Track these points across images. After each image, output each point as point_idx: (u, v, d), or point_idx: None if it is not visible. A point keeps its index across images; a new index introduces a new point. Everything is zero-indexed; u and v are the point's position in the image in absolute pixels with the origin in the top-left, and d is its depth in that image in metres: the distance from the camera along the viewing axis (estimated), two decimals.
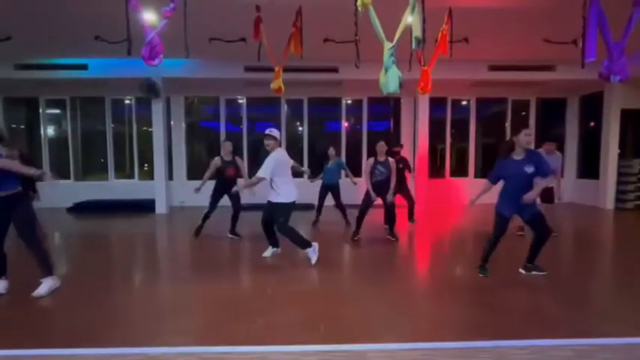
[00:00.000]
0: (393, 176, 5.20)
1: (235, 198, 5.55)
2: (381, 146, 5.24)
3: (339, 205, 6.60)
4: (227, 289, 3.51)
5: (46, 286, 3.24)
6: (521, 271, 3.81)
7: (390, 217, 5.41)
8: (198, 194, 5.44)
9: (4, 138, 3.24)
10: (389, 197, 5.22)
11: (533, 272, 3.75)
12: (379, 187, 5.21)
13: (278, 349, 2.36)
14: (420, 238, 5.94)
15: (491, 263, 3.79)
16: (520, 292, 3.36)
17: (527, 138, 3.54)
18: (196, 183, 9.24)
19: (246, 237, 5.70)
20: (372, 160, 5.30)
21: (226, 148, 5.62)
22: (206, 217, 5.74)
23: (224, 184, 5.51)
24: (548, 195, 5.34)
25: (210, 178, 5.57)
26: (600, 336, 2.51)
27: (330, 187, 6.55)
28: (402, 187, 6.39)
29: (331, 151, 6.60)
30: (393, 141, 9.63)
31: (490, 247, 3.73)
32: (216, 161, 5.52)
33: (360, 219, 5.32)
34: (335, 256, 4.66)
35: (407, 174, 6.56)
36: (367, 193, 5.24)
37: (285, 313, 2.92)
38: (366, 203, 5.26)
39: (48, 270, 3.29)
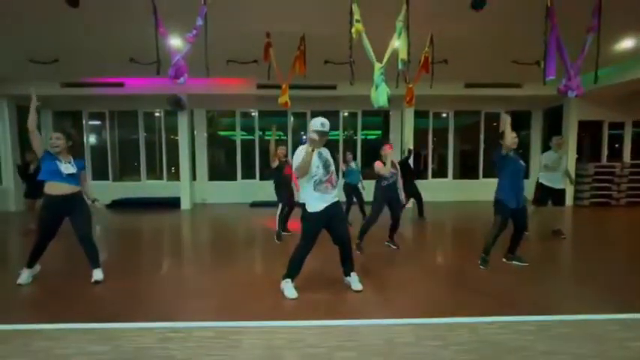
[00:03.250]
0: (399, 178, 4.31)
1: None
2: (388, 148, 4.19)
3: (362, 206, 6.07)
4: (242, 273, 3.52)
5: (98, 273, 3.21)
6: (504, 259, 3.75)
7: (395, 224, 4.36)
8: (214, 192, 5.30)
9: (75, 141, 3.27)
10: (402, 201, 4.30)
11: (514, 262, 3.68)
12: (392, 189, 4.19)
13: (284, 324, 2.37)
14: (416, 232, 5.93)
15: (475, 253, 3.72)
16: (498, 277, 3.36)
17: (513, 140, 3.50)
18: (216, 183, 9.44)
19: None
20: (379, 162, 4.17)
21: (282, 152, 5.03)
22: (285, 218, 5.03)
23: (282, 183, 4.90)
24: (560, 198, 4.90)
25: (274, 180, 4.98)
26: (558, 313, 2.51)
27: (353, 188, 5.94)
28: (413, 187, 6.35)
29: (349, 156, 6.11)
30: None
31: (493, 239, 3.54)
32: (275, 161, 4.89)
33: (369, 225, 4.20)
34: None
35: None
36: (381, 196, 4.15)
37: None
38: (380, 207, 4.18)
39: (97, 262, 3.25)
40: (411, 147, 7.78)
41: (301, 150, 2.83)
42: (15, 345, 2.12)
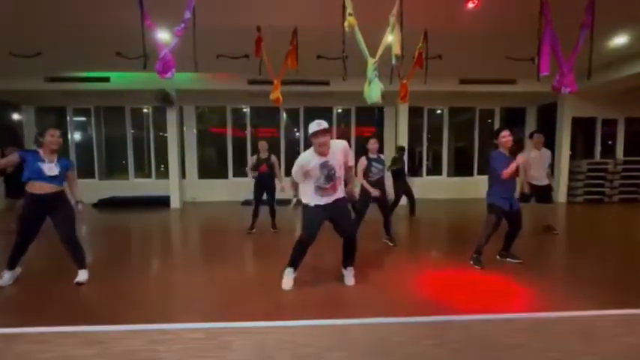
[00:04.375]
0: (385, 175, 4.44)
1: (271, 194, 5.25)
2: (373, 143, 4.28)
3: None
4: (232, 273, 3.50)
5: (83, 274, 3.17)
6: (497, 257, 3.79)
7: (387, 220, 4.46)
8: (204, 191, 5.30)
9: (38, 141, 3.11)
10: (388, 196, 4.34)
11: (508, 259, 3.72)
12: (378, 185, 4.25)
13: (275, 324, 2.37)
14: (414, 229, 5.97)
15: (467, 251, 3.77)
16: (491, 275, 3.40)
17: (504, 140, 3.47)
18: (206, 181, 9.37)
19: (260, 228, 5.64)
20: (364, 158, 4.27)
21: (263, 146, 5.25)
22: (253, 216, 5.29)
23: (260, 180, 5.21)
24: (545, 195, 4.96)
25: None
26: (551, 310, 2.55)
27: None
28: (405, 186, 6.38)
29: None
30: (378, 144, 9.68)
31: (485, 239, 3.56)
32: (252, 160, 5.27)
33: (357, 223, 4.19)
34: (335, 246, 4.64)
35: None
36: (364, 194, 4.22)
37: (285, 295, 2.93)
38: (365, 204, 4.26)
39: (83, 263, 3.21)
40: (404, 145, 7.82)
41: (300, 161, 2.85)
42: None
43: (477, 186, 9.03)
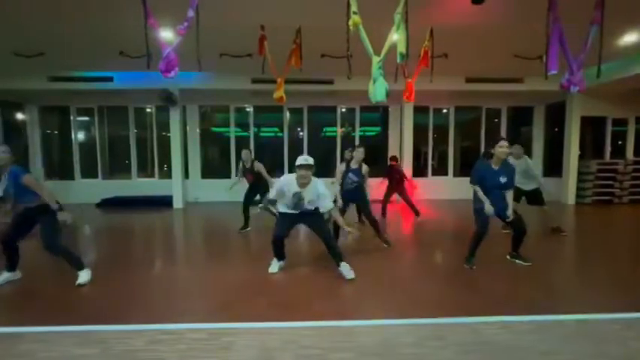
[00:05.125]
0: (366, 184, 4.50)
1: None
2: (360, 152, 4.37)
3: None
4: (234, 273, 3.51)
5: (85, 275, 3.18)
6: (507, 257, 3.79)
7: (374, 226, 4.42)
8: (207, 191, 5.36)
9: None
10: (366, 210, 4.43)
11: (517, 261, 3.69)
12: (349, 196, 4.39)
13: (278, 325, 2.37)
14: (412, 231, 5.95)
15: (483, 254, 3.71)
16: (499, 276, 3.38)
17: (501, 150, 3.42)
18: (209, 181, 9.40)
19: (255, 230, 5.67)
20: (343, 165, 4.42)
21: (245, 155, 5.37)
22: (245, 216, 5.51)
23: (250, 188, 5.48)
24: (535, 198, 4.89)
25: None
26: (559, 312, 2.53)
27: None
28: (402, 193, 6.44)
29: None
30: (383, 144, 9.67)
31: (475, 243, 3.58)
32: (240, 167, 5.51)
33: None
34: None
35: (405, 180, 6.54)
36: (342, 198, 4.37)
37: (286, 295, 2.93)
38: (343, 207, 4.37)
39: (78, 265, 3.20)
40: (396, 154, 7.81)
41: (282, 182, 3.34)
42: None
43: None
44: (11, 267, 3.19)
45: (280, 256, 3.54)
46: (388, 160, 6.72)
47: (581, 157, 8.70)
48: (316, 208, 3.39)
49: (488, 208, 3.38)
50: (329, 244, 3.40)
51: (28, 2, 4.26)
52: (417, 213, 6.49)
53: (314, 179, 3.31)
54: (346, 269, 3.30)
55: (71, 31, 5.20)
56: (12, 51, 5.97)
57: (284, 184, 3.31)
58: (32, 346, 2.12)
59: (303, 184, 3.27)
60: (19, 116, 9.07)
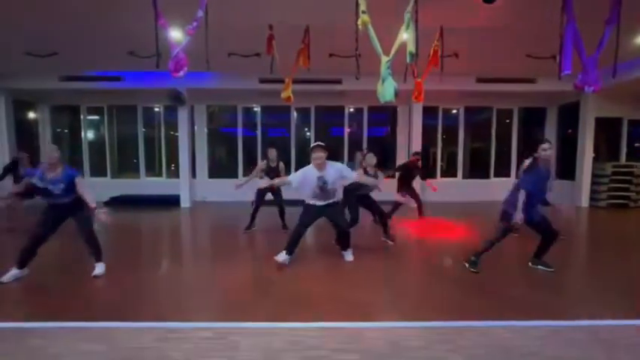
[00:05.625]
0: (381, 185, 4.49)
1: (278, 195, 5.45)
2: (370, 158, 4.48)
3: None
4: (241, 273, 3.53)
5: (100, 267, 3.43)
6: (529, 264, 3.67)
7: (383, 221, 4.69)
8: (214, 190, 5.41)
9: None
10: (376, 207, 4.62)
11: (540, 267, 3.59)
12: (362, 198, 4.55)
13: (284, 326, 2.38)
14: (422, 232, 5.91)
15: (494, 257, 3.68)
16: (507, 280, 3.34)
17: (545, 153, 3.31)
18: (217, 181, 9.48)
19: (264, 229, 5.69)
20: (361, 171, 4.35)
21: (272, 154, 5.33)
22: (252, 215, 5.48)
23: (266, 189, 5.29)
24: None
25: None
26: (570, 318, 2.49)
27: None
28: (409, 189, 6.37)
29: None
30: (391, 145, 9.63)
31: (490, 244, 3.49)
32: (261, 165, 5.36)
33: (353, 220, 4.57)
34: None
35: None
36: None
37: (292, 295, 2.93)
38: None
39: (99, 257, 3.47)
40: (419, 150, 7.77)
41: (301, 173, 3.70)
42: (9, 343, 2.15)
43: (493, 189, 8.85)
44: (22, 265, 3.28)
45: (292, 249, 3.74)
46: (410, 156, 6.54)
47: (595, 160, 8.53)
48: (335, 202, 3.83)
49: (520, 218, 3.24)
50: (343, 234, 3.89)
51: (43, 2, 4.35)
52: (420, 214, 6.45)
53: (328, 162, 3.64)
54: (348, 254, 3.93)
55: (83, 30, 5.29)
56: (25, 51, 6.11)
57: (305, 172, 3.66)
58: (42, 341, 2.16)
59: (319, 164, 3.60)
60: (31, 115, 9.27)
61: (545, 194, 3.42)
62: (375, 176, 4.41)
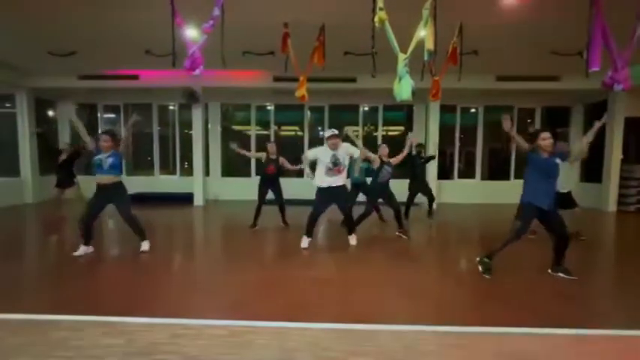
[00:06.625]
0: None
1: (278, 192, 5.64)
2: (384, 148, 5.15)
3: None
4: (254, 271, 3.59)
5: (145, 245, 4.24)
6: (549, 271, 3.53)
7: (397, 215, 5.14)
8: (227, 189, 5.55)
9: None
10: (393, 201, 5.09)
11: (560, 274, 3.45)
12: (382, 188, 5.12)
13: (298, 325, 2.41)
14: (437, 233, 5.85)
15: (511, 263, 3.62)
16: (530, 286, 3.27)
17: (544, 142, 3.30)
18: (229, 179, 9.61)
19: (272, 227, 5.75)
20: (378, 158, 4.91)
21: (272, 148, 5.59)
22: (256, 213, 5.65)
23: (266, 180, 5.58)
24: (566, 201, 4.63)
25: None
26: (586, 327, 2.43)
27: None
28: (423, 184, 6.32)
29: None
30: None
31: (503, 245, 3.39)
32: (261, 156, 5.63)
33: (360, 220, 5.06)
34: (354, 247, 4.65)
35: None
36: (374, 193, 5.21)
37: (304, 295, 2.96)
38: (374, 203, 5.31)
39: (142, 235, 4.24)
40: (422, 142, 7.69)
41: (317, 149, 4.46)
42: (34, 335, 2.25)
43: (513, 190, 8.64)
44: (87, 242, 3.99)
45: (310, 232, 4.47)
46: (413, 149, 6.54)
47: (623, 162, 8.23)
48: (342, 185, 4.43)
49: (507, 125, 3.45)
50: (348, 217, 4.61)
51: (61, 3, 4.52)
52: (430, 213, 6.40)
53: (341, 144, 4.33)
54: (352, 238, 4.63)
55: (101, 30, 5.47)
56: (47, 51, 6.36)
57: (319, 151, 4.39)
58: (65, 334, 2.26)
59: (333, 144, 4.28)
60: (51, 113, 9.63)
61: (554, 182, 3.33)
62: (391, 164, 5.08)
